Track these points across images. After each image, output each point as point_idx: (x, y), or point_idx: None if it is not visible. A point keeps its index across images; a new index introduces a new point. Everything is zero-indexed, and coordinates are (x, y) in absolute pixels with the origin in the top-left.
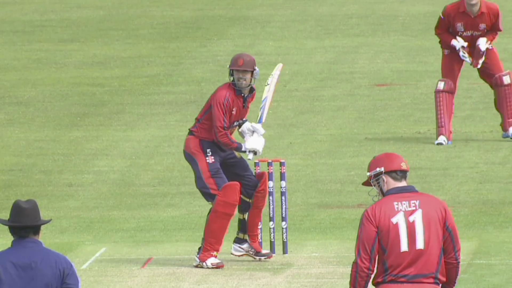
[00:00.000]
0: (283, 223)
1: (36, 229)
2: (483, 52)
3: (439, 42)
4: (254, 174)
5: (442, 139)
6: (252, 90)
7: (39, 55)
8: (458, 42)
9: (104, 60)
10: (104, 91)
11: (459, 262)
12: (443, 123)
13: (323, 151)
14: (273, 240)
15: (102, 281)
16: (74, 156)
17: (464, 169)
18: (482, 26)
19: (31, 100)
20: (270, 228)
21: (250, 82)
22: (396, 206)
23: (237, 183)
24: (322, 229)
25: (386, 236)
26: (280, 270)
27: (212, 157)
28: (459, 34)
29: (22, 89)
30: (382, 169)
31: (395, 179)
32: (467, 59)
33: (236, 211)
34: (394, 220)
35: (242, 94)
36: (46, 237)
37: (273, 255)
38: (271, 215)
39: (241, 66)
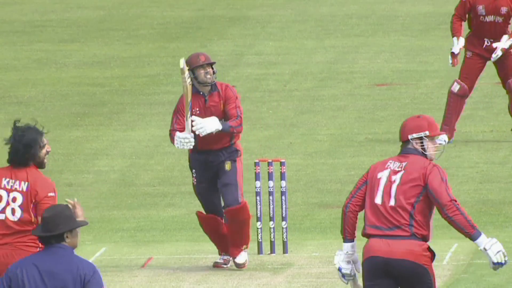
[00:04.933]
0: (283, 223)
1: (57, 237)
2: (503, 48)
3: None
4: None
5: (442, 138)
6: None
7: (39, 55)
8: (456, 45)
9: (104, 60)
10: (104, 91)
11: (450, 216)
12: (448, 123)
13: (323, 151)
14: (273, 240)
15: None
16: (74, 156)
17: (464, 169)
18: (504, 9)
19: (31, 100)
20: (270, 228)
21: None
22: (388, 164)
23: (211, 216)
24: (322, 229)
25: (368, 187)
26: (280, 270)
27: (195, 178)
28: (480, 18)
29: (22, 89)
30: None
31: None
32: (450, 62)
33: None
34: (379, 175)
35: (201, 92)
36: None
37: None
38: (271, 215)
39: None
